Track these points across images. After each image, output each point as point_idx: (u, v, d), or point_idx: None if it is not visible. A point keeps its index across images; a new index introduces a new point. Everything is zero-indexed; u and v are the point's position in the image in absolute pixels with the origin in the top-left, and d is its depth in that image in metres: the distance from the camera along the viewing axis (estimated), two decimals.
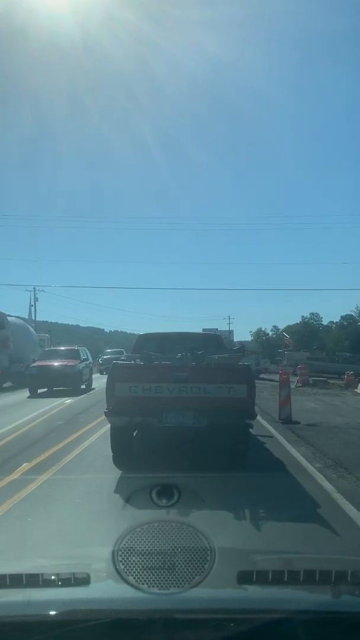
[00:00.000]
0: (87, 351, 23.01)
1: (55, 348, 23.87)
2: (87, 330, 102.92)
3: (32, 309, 50.88)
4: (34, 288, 51.94)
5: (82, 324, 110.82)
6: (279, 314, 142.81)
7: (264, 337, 72.66)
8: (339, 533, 4.62)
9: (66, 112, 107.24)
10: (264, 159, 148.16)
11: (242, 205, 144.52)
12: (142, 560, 2.00)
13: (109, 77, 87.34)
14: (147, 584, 1.77)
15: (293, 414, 11.80)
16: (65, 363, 19.46)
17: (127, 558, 2.00)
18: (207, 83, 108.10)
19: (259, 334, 75.38)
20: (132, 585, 1.75)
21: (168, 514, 3.74)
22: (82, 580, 1.87)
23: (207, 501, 4.86)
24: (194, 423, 6.90)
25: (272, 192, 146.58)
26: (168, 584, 1.79)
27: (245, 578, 1.92)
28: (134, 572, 1.84)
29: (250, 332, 77.07)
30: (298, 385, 22.12)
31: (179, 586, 1.78)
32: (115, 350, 38.36)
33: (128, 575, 1.81)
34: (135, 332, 42.58)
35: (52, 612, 1.55)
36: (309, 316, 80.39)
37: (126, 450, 7.38)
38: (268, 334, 74.42)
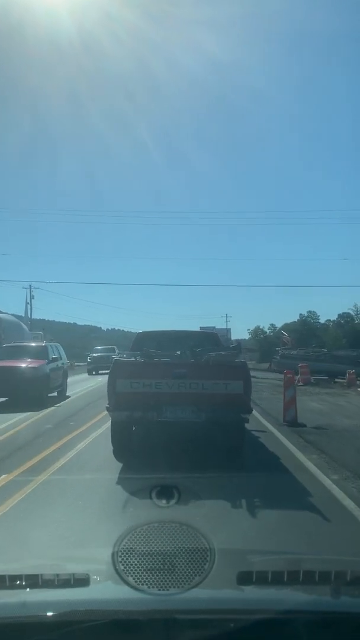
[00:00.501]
0: (60, 348, 18.02)
1: (17, 344, 17.53)
2: (84, 329, 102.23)
3: (28, 306, 50.00)
4: (30, 285, 51.04)
5: (79, 322, 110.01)
6: (276, 313, 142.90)
7: (261, 335, 72.13)
8: None
9: (63, 109, 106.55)
10: (261, 155, 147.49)
11: (241, 203, 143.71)
12: (142, 561, 2.00)
13: (107, 75, 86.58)
14: (146, 584, 1.76)
15: (297, 415, 11.17)
16: (26, 364, 14.69)
17: (127, 559, 1.99)
18: (205, 81, 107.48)
19: (257, 332, 74.91)
20: (132, 586, 1.75)
21: (168, 515, 3.65)
22: (82, 581, 1.87)
23: (214, 525, 4.42)
24: (192, 418, 7.17)
25: (271, 190, 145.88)
26: (168, 584, 1.78)
27: (245, 578, 1.91)
28: (134, 573, 1.84)
29: (248, 330, 76.62)
30: (299, 384, 21.44)
31: (178, 587, 1.77)
32: (106, 347, 35.40)
33: (128, 576, 1.80)
34: (133, 331, 41.49)
35: (52, 613, 1.53)
36: (306, 314, 79.98)
37: (126, 444, 7.66)
38: (266, 332, 73.93)
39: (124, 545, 2.17)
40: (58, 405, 14.27)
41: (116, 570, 1.88)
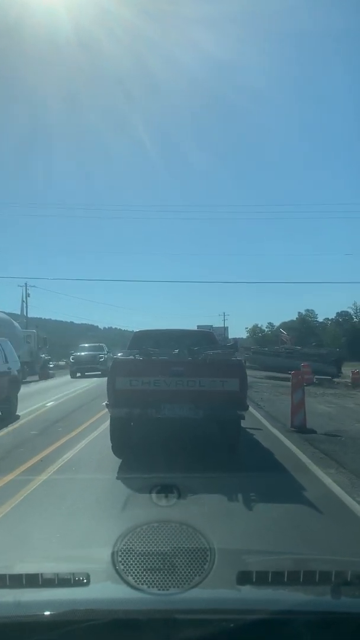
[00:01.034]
0: (9, 345, 13.25)
1: None
2: (81, 327, 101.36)
3: (24, 304, 48.79)
4: (26, 283, 49.86)
5: (76, 321, 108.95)
6: (274, 311, 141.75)
7: (259, 334, 71.38)
8: None
9: (60, 105, 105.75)
10: (260, 151, 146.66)
11: (240, 200, 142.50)
12: (142, 561, 1.99)
13: (105, 72, 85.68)
14: (146, 584, 1.76)
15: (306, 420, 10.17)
16: None
17: (127, 558, 1.99)
18: (203, 79, 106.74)
19: (255, 331, 74.19)
20: (132, 586, 1.75)
21: (168, 514, 3.65)
22: (82, 581, 1.84)
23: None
24: (189, 414, 7.32)
25: (270, 188, 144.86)
26: (168, 584, 1.77)
27: (245, 578, 1.90)
28: (134, 573, 1.83)
29: (246, 328, 75.91)
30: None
31: (178, 587, 1.76)
32: (93, 345, 31.38)
33: (128, 576, 1.80)
34: (130, 329, 40.34)
35: (52, 612, 1.53)
36: (304, 313, 79.28)
37: (125, 440, 7.75)
38: (264, 331, 73.18)
39: (124, 545, 2.18)
40: None
41: (116, 570, 1.88)
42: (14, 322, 27.48)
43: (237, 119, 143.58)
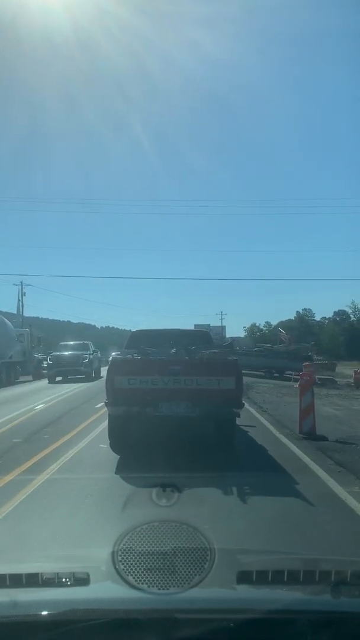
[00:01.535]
0: None
1: None
2: (78, 327, 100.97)
3: (20, 303, 48.57)
4: (21, 282, 49.64)
5: (73, 320, 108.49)
6: (272, 310, 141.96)
7: (257, 333, 71.31)
8: None
9: (57, 104, 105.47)
10: (258, 150, 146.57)
11: (240, 196, 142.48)
12: (142, 560, 1.99)
13: (102, 72, 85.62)
14: (146, 583, 1.76)
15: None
16: None
17: (127, 558, 1.98)
18: (201, 79, 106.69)
19: (253, 330, 74.13)
20: (132, 585, 1.74)
21: (169, 515, 3.63)
22: (82, 580, 1.85)
23: None
24: (187, 412, 7.45)
25: (270, 186, 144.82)
26: (168, 584, 1.77)
27: (244, 578, 1.90)
28: (134, 572, 1.83)
29: (244, 327, 75.90)
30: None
31: (178, 586, 1.76)
32: (76, 343, 27.49)
33: (127, 575, 1.80)
34: (127, 329, 40.00)
35: (52, 612, 1.53)
36: (302, 312, 79.33)
37: (123, 438, 7.86)
38: (262, 330, 73.13)
39: (124, 545, 2.18)
40: None
41: (116, 569, 1.88)
42: (6, 320, 26.56)
43: (234, 118, 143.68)
